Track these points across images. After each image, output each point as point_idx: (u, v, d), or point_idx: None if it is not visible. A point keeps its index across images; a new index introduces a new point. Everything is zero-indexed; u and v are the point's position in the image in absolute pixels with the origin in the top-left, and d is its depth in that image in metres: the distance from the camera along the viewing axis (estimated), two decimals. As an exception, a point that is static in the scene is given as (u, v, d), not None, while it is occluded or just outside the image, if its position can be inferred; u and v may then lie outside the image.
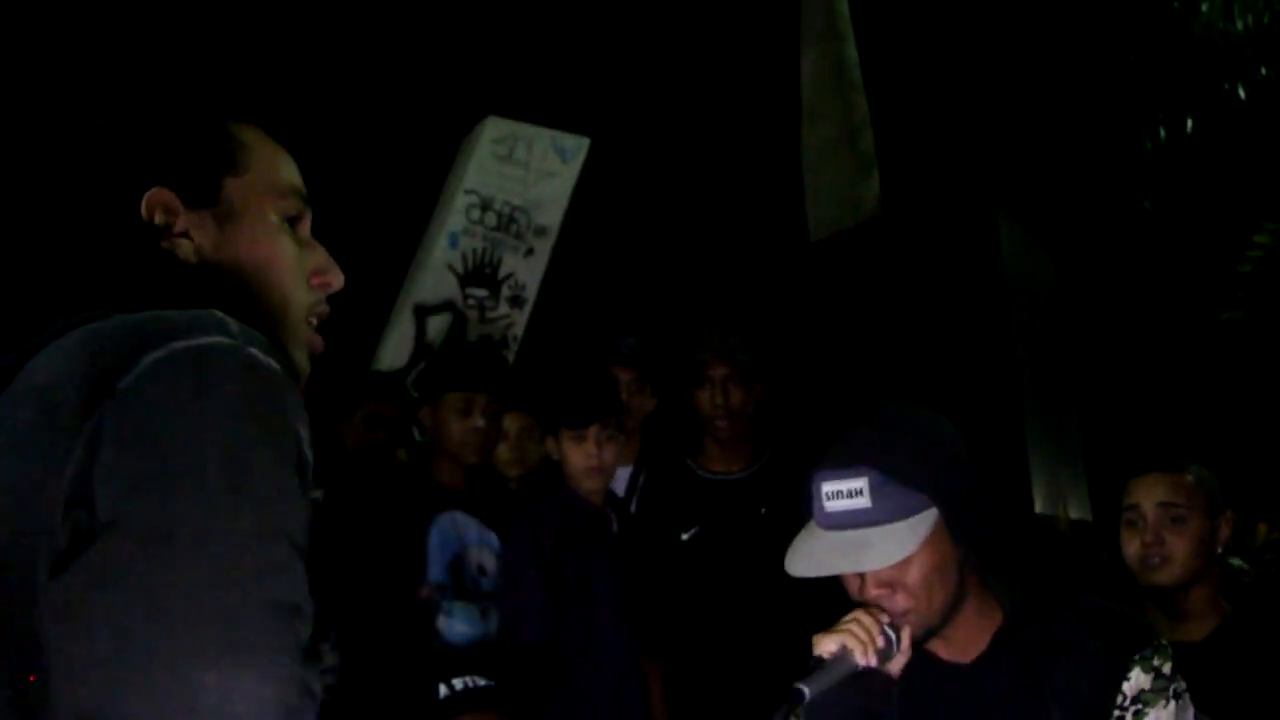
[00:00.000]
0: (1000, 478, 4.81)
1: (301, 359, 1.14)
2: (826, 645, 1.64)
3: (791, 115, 5.07)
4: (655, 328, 4.36)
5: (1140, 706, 1.64)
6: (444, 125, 5.02)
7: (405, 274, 4.67)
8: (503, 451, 3.62)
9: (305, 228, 1.17)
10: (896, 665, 1.69)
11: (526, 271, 4.64)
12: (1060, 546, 4.59)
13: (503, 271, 4.60)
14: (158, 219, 1.08)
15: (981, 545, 1.71)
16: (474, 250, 4.56)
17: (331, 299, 1.21)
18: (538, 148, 4.66)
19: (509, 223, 4.61)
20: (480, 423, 3.28)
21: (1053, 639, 1.70)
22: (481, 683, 3.01)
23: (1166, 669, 1.67)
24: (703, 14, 5.95)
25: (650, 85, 5.94)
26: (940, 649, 1.76)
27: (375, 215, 5.37)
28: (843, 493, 1.67)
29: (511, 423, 3.63)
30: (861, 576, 1.69)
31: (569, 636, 3.10)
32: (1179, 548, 2.43)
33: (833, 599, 3.47)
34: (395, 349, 4.45)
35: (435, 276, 4.51)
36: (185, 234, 1.08)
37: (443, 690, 2.97)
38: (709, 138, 6.12)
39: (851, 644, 1.62)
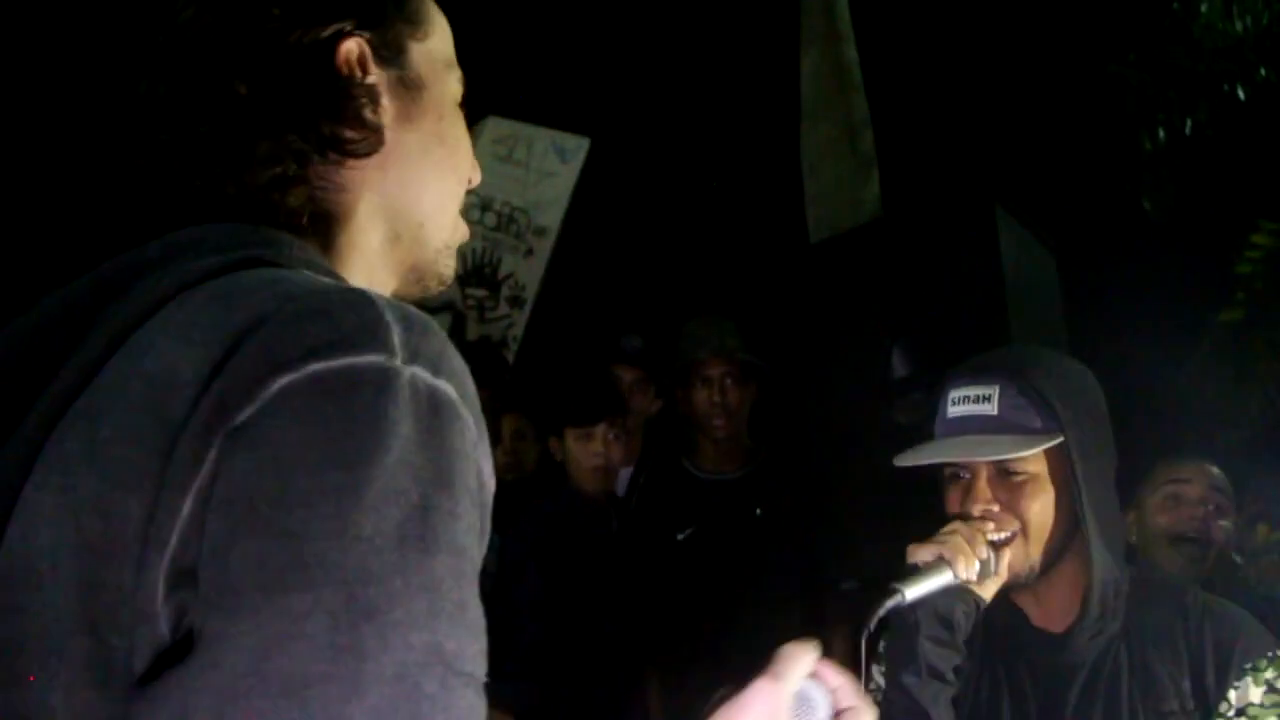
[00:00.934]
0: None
1: (452, 258, 1.00)
2: (923, 554, 1.53)
3: (791, 115, 5.07)
4: (655, 328, 4.36)
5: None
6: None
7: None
8: (497, 454, 3.63)
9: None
10: (990, 589, 1.57)
11: (526, 272, 4.64)
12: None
13: (502, 271, 4.61)
14: (351, 73, 0.90)
15: (1097, 500, 1.59)
16: (474, 250, 4.56)
17: None
18: (537, 148, 4.67)
19: (509, 223, 4.61)
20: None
21: (1156, 629, 1.60)
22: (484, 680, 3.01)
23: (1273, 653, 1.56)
24: (703, 14, 5.95)
25: (650, 85, 5.94)
26: (1030, 608, 1.65)
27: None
28: (970, 398, 1.60)
29: (506, 425, 3.64)
30: (968, 486, 1.59)
31: (567, 634, 3.10)
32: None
33: (832, 599, 3.46)
34: (395, 349, 4.45)
35: (435, 276, 4.51)
36: (376, 95, 0.91)
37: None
38: (709, 138, 6.12)
39: (949, 555, 1.51)
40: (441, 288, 1.00)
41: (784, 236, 5.31)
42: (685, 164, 6.15)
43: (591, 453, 3.18)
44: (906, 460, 1.63)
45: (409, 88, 0.94)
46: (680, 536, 3.36)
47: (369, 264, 0.93)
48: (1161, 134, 5.74)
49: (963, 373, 1.64)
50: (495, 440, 3.62)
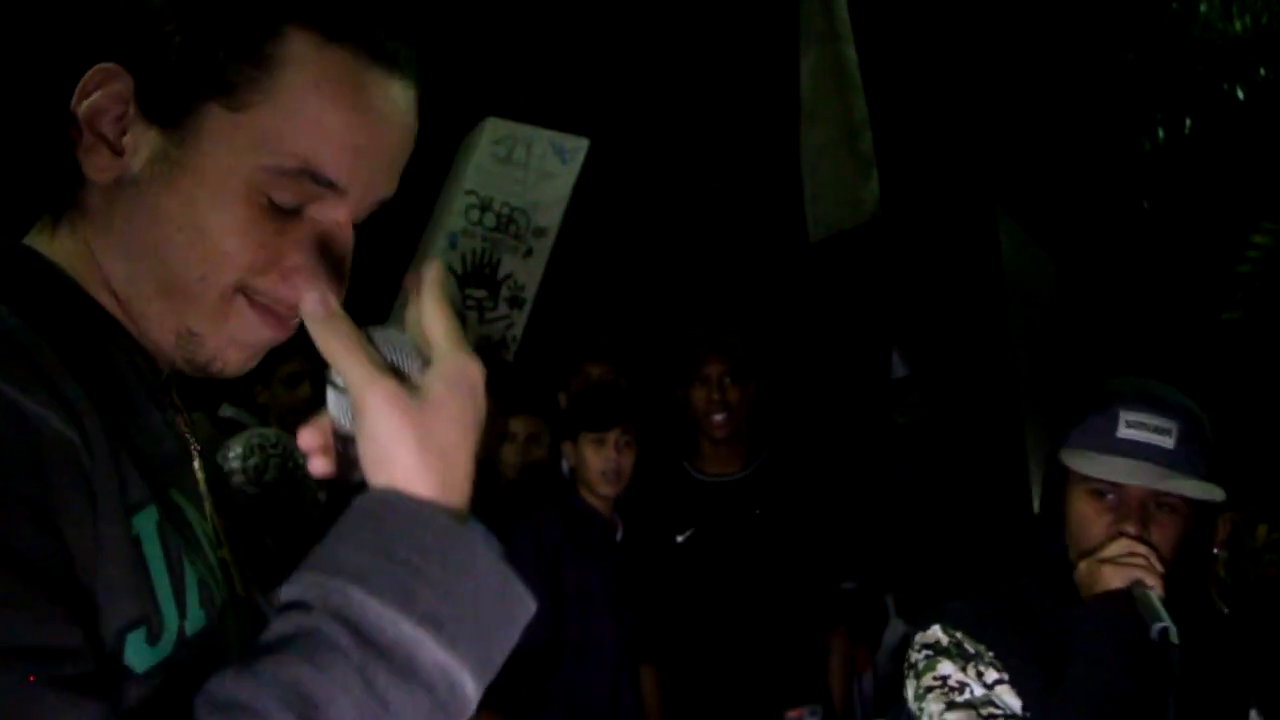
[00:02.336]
0: (999, 476, 4.81)
1: (215, 346, 0.86)
2: (1111, 578, 1.53)
3: (791, 116, 5.07)
4: (654, 328, 4.36)
5: None
6: (443, 126, 5.01)
7: (404, 275, 4.66)
8: (509, 454, 3.63)
9: (325, 214, 0.86)
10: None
11: (525, 272, 4.64)
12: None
13: (502, 272, 4.61)
14: (84, 107, 0.80)
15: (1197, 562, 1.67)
16: (473, 251, 4.56)
17: None
18: (537, 149, 4.66)
19: (508, 223, 4.61)
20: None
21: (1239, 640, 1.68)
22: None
23: None
24: (702, 15, 5.95)
25: (650, 86, 5.94)
26: None
27: (374, 216, 5.36)
28: (1148, 426, 1.60)
29: (520, 426, 3.65)
30: (1115, 511, 1.60)
31: (567, 641, 3.11)
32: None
33: (832, 599, 3.46)
34: (394, 349, 4.45)
35: (434, 277, 4.51)
36: (113, 142, 0.81)
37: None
38: (708, 139, 6.12)
39: (1142, 575, 1.53)
40: (205, 373, 0.88)
41: (783, 237, 5.31)
42: (685, 165, 6.15)
43: (605, 458, 3.20)
44: (1095, 470, 1.62)
45: (175, 147, 0.81)
46: (680, 538, 3.36)
47: (123, 298, 0.86)
48: (1160, 134, 5.75)
49: (1137, 398, 1.64)
50: (506, 440, 3.63)
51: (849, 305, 5.27)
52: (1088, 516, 1.62)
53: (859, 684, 4.26)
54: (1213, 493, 1.57)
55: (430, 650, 0.70)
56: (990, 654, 1.62)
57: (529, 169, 4.64)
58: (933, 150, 5.76)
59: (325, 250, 0.87)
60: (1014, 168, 5.72)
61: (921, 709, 1.64)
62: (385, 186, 0.90)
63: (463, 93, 5.43)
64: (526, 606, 0.77)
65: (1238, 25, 5.48)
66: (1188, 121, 5.66)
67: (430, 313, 0.81)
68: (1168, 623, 1.45)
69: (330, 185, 0.84)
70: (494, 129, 4.64)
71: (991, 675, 1.62)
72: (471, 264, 4.55)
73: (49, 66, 0.81)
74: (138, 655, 0.74)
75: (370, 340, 0.79)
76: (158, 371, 0.88)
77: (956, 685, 1.62)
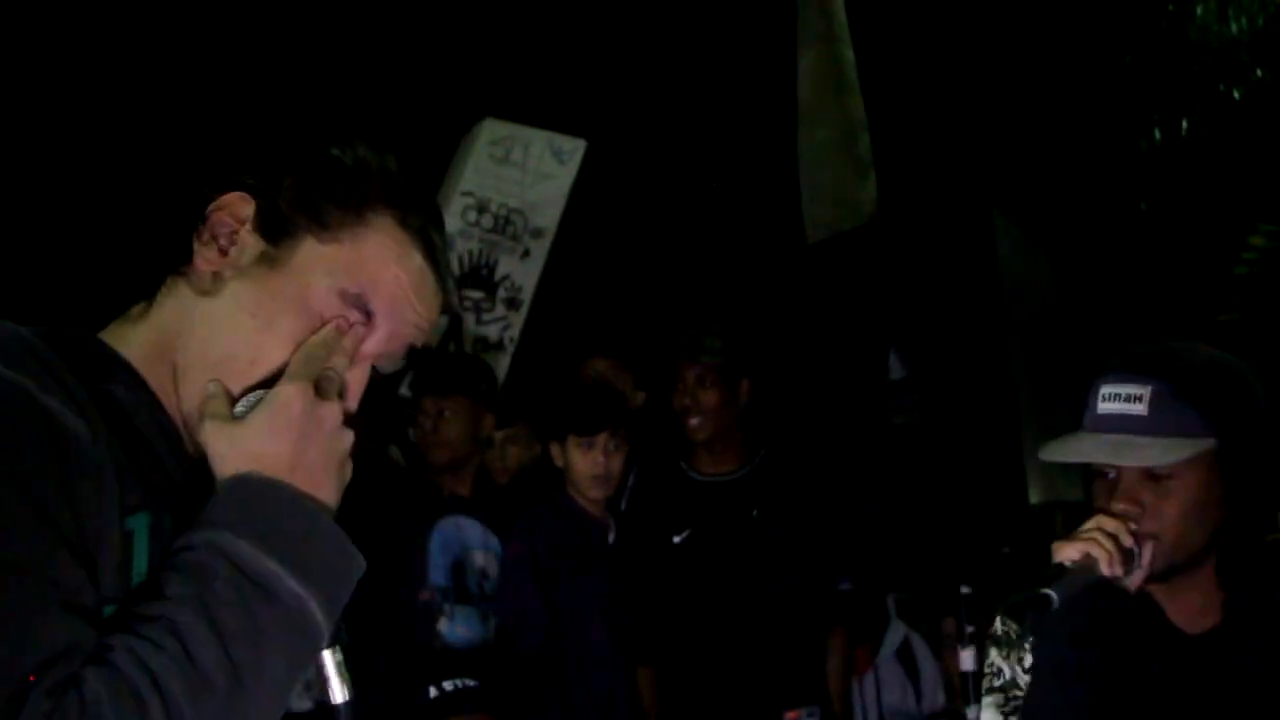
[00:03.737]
0: (997, 475, 4.81)
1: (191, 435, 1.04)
2: (1069, 552, 1.52)
3: (788, 117, 5.07)
4: (651, 329, 4.36)
5: None
6: (441, 127, 5.02)
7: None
8: (492, 459, 3.64)
9: (364, 342, 1.06)
10: (1136, 580, 1.55)
11: (523, 273, 4.64)
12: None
13: (499, 273, 4.60)
14: (215, 219, 1.04)
15: (1247, 504, 1.58)
16: (471, 252, 4.56)
17: None
18: (534, 150, 4.66)
19: (506, 224, 4.61)
20: (450, 426, 3.33)
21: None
22: (471, 684, 3.01)
23: None
24: (699, 16, 5.95)
25: (647, 87, 5.95)
26: (1170, 608, 1.62)
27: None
28: (1120, 395, 1.56)
29: (497, 431, 3.65)
30: (1112, 485, 1.58)
31: (562, 643, 3.10)
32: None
33: (829, 600, 3.46)
34: (392, 351, 4.45)
35: (432, 278, 4.51)
36: (223, 245, 1.04)
37: (432, 692, 2.98)
38: (706, 140, 6.13)
39: (1096, 552, 1.50)
40: (194, 448, 1.03)
41: (781, 238, 5.32)
42: (682, 166, 6.15)
43: (592, 461, 3.17)
44: (1053, 454, 1.62)
45: (270, 262, 1.03)
46: (677, 539, 3.36)
47: (171, 369, 1.04)
48: (1157, 136, 5.75)
49: (1115, 370, 1.60)
50: (488, 443, 3.63)
51: (847, 307, 5.27)
52: (1096, 495, 1.61)
53: (860, 686, 4.26)
54: (1179, 451, 1.52)
55: (288, 581, 0.91)
56: (1029, 643, 1.64)
57: (526, 170, 4.64)
58: (930, 152, 5.77)
59: (337, 378, 1.06)
60: (1011, 169, 5.73)
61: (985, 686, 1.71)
62: (403, 339, 1.09)
63: (460, 93, 5.44)
64: (359, 564, 1.00)
65: (1234, 27, 5.49)
66: (1184, 123, 5.67)
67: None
68: (1053, 592, 1.46)
69: (369, 314, 1.05)
70: (492, 130, 4.64)
71: (1030, 660, 1.64)
72: (469, 265, 4.55)
73: (206, 174, 1.06)
74: None
75: None
76: (180, 440, 1.04)
77: (998, 671, 1.67)
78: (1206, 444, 1.53)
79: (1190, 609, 1.61)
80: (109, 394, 0.98)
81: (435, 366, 3.54)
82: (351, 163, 1.07)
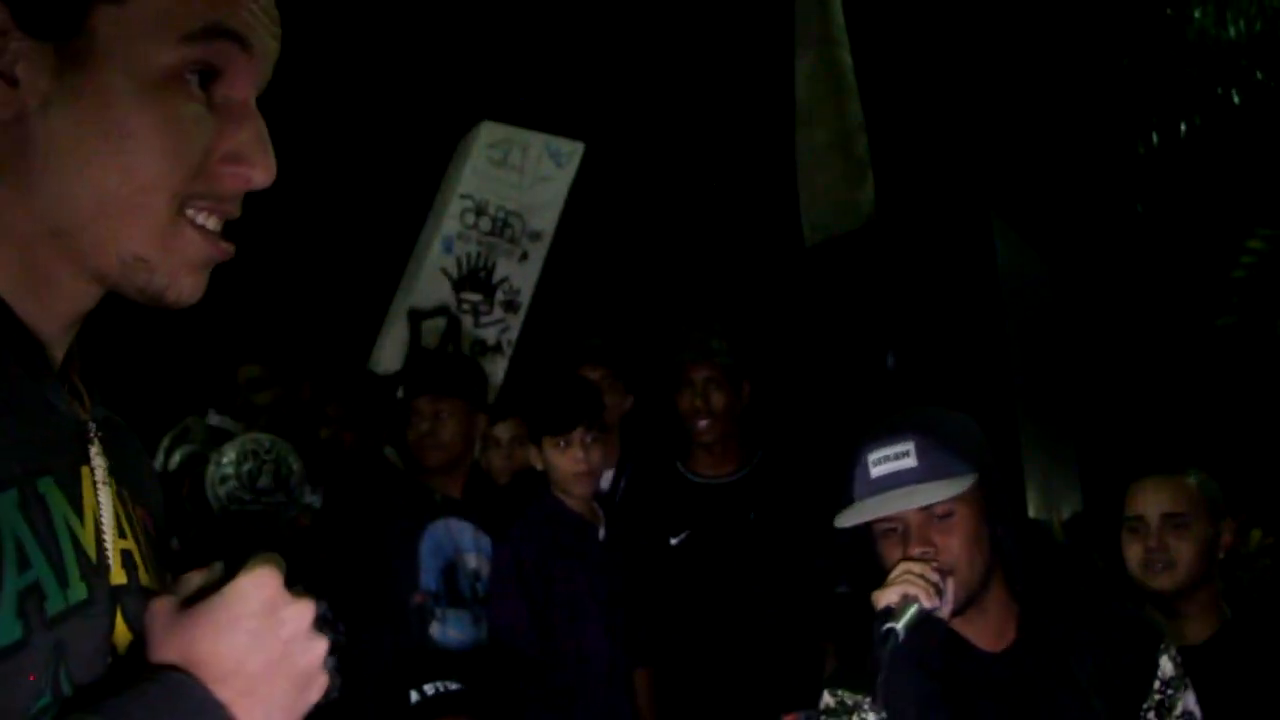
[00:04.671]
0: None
1: (168, 273, 0.82)
2: (889, 596, 1.66)
3: (786, 120, 5.08)
4: (648, 331, 4.36)
5: (1171, 691, 1.77)
6: (439, 130, 5.02)
7: (400, 278, 4.67)
8: (495, 459, 3.63)
9: (237, 86, 0.83)
10: (945, 612, 1.72)
11: (521, 275, 4.64)
12: (1055, 550, 4.60)
13: (497, 275, 4.61)
14: None
15: (1003, 534, 1.79)
16: (469, 254, 4.56)
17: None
18: (533, 152, 4.67)
19: (504, 227, 4.61)
20: (445, 427, 3.31)
21: (1077, 632, 1.78)
22: (453, 687, 3.00)
23: (1179, 659, 1.80)
24: (698, 19, 5.96)
25: (645, 90, 5.95)
26: (971, 634, 1.80)
27: (370, 219, 5.37)
28: (889, 456, 1.74)
29: (503, 430, 3.65)
30: (904, 535, 1.74)
31: (556, 646, 3.10)
32: (1183, 553, 2.44)
33: (826, 603, 3.45)
34: (389, 353, 4.45)
35: (430, 281, 4.51)
36: (8, 71, 0.76)
37: (414, 695, 2.97)
38: (704, 143, 6.13)
39: (913, 590, 1.65)
40: (159, 304, 0.84)
41: (779, 240, 5.32)
42: (680, 168, 6.15)
43: (571, 459, 3.16)
44: (848, 521, 1.78)
45: (73, 61, 0.77)
46: (674, 541, 3.35)
47: (22, 254, 0.81)
48: (1155, 138, 5.76)
49: (876, 436, 1.77)
50: (493, 445, 3.63)
51: (844, 309, 5.27)
52: (888, 554, 1.76)
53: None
54: (961, 486, 1.70)
55: None
56: (866, 700, 1.76)
57: (524, 173, 4.65)
58: (928, 154, 5.77)
59: (245, 130, 0.84)
60: (1009, 172, 5.74)
61: None
62: (274, 51, 0.86)
63: (459, 96, 5.44)
64: None
65: (1232, 31, 5.50)
66: (1182, 126, 5.68)
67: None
68: (896, 625, 1.61)
69: (240, 39, 0.81)
70: (489, 133, 4.64)
71: (871, 717, 1.76)
72: (467, 267, 4.55)
73: None
74: None
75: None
76: (43, 354, 0.84)
77: None
78: (971, 479, 1.73)
79: (988, 631, 1.80)
80: None
81: (429, 368, 3.53)
82: None
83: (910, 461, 1.73)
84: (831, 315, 5.32)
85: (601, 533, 3.26)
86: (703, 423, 3.37)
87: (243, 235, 0.90)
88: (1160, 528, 2.48)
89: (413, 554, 3.20)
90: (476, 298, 4.57)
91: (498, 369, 4.47)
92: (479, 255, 4.57)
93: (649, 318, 5.25)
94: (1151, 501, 2.50)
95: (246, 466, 3.03)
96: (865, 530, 1.82)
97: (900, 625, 1.60)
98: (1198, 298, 5.34)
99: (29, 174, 0.79)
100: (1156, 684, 1.76)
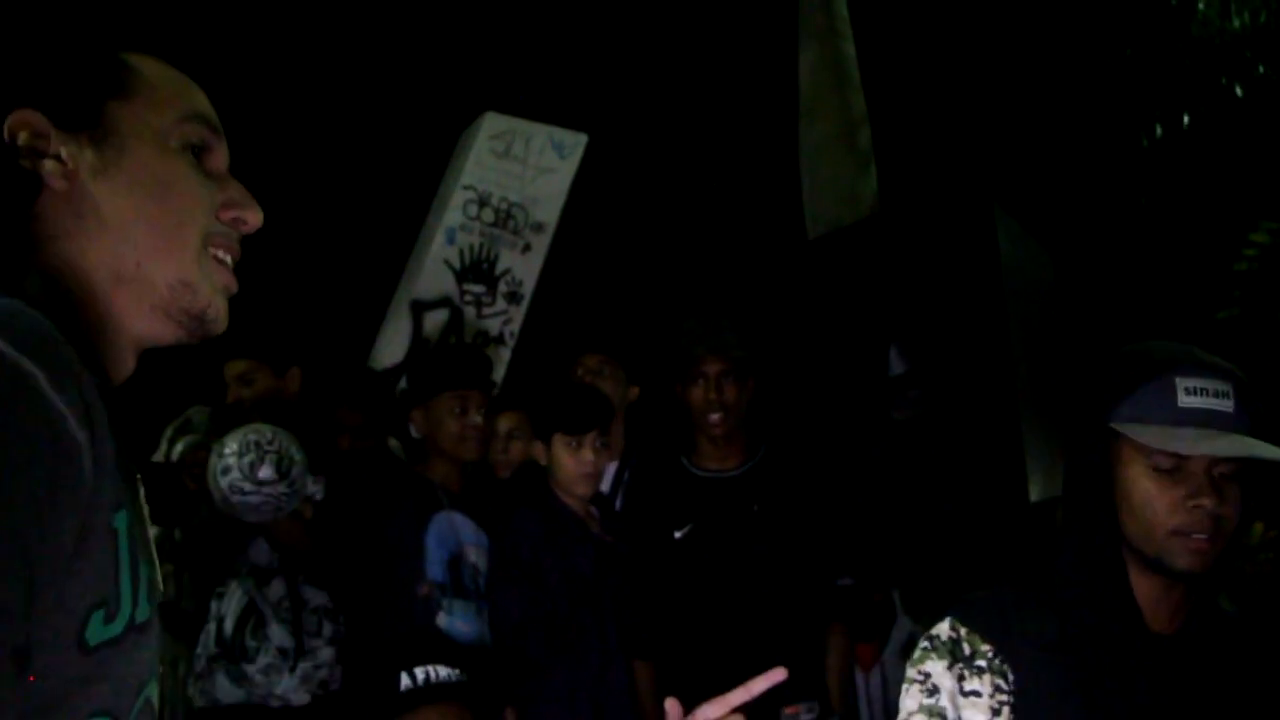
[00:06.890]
0: (996, 470, 4.81)
1: (207, 294, 1.07)
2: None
3: (789, 112, 5.07)
4: (652, 324, 4.36)
5: None
6: (442, 121, 5.02)
7: (403, 270, 4.67)
8: (495, 452, 3.65)
9: (216, 160, 1.11)
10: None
11: (524, 267, 4.64)
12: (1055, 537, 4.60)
13: (500, 267, 4.61)
14: (21, 139, 1.01)
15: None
16: (471, 246, 4.56)
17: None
18: (535, 144, 4.66)
19: (506, 219, 4.61)
20: (477, 420, 3.32)
21: (1239, 626, 1.65)
22: (444, 673, 3.02)
23: None
24: (701, 10, 5.94)
25: (648, 81, 5.94)
26: (1149, 613, 1.61)
27: (373, 211, 5.37)
28: (1207, 391, 1.54)
29: (502, 422, 3.66)
30: (1188, 480, 1.54)
31: (557, 641, 3.11)
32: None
33: (829, 596, 3.46)
34: (392, 345, 4.45)
35: (432, 272, 4.52)
36: (56, 156, 1.02)
37: (404, 681, 2.98)
38: (707, 134, 6.12)
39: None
40: (202, 326, 1.07)
41: (782, 233, 5.32)
42: (683, 160, 6.15)
43: (580, 460, 3.19)
44: (1164, 442, 1.53)
45: (106, 140, 1.04)
46: (678, 534, 3.36)
47: (104, 305, 1.03)
48: (1158, 131, 5.75)
49: (1191, 365, 1.57)
50: (491, 436, 3.65)
51: (847, 301, 5.27)
52: (1151, 493, 1.55)
53: (867, 682, 4.26)
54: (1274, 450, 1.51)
55: None
56: (992, 655, 1.58)
57: (527, 164, 4.64)
58: (931, 146, 5.76)
59: (234, 188, 1.12)
60: (1012, 164, 5.73)
61: (901, 700, 1.63)
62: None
63: (461, 87, 5.43)
64: None
65: (1236, 22, 5.48)
66: (1186, 118, 5.67)
67: None
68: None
69: (213, 126, 1.10)
70: (492, 124, 4.64)
71: (974, 684, 1.58)
72: (470, 259, 4.56)
73: None
74: (93, 631, 0.89)
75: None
76: (111, 392, 1.00)
77: (933, 687, 1.60)
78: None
79: (1171, 609, 1.62)
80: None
81: (457, 361, 3.52)
82: (72, 36, 1.07)
83: (1229, 405, 1.53)
84: (834, 307, 5.32)
85: (596, 529, 3.27)
86: (715, 416, 3.38)
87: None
88: None
89: (419, 545, 3.21)
90: (479, 289, 4.57)
91: (500, 361, 4.47)
92: (482, 247, 4.57)
93: (652, 310, 5.25)
94: None
95: (248, 457, 3.04)
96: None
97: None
98: (1200, 290, 5.33)
99: (88, 233, 1.02)
100: None
